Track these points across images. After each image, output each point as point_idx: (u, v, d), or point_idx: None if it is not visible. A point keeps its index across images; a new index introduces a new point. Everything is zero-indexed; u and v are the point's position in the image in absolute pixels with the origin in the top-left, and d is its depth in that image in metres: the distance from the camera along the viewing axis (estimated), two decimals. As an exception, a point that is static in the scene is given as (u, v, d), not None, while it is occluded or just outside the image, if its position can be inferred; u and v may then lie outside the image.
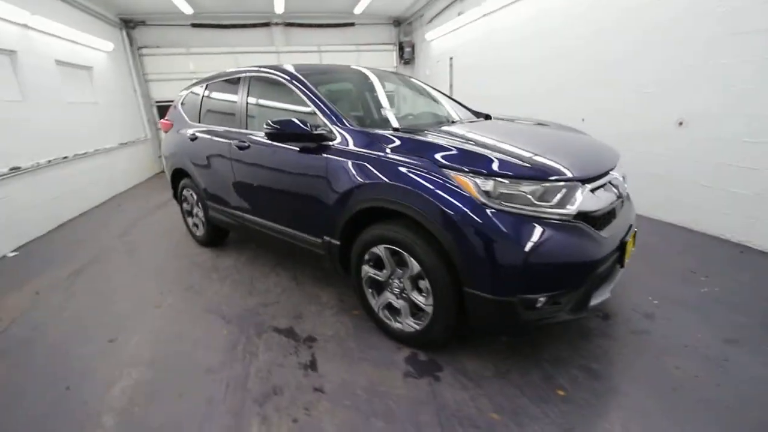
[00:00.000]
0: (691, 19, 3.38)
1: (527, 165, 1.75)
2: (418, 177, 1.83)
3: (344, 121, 2.29)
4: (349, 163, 2.12)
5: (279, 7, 7.92)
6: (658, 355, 2.00)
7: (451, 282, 1.82)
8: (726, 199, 3.32)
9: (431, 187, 1.77)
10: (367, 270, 2.21)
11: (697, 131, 3.46)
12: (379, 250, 2.08)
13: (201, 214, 3.72)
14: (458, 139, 2.05)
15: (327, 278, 3.07)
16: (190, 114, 3.75)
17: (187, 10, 7.57)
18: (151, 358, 2.20)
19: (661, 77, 3.69)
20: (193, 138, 3.48)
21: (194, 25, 8.43)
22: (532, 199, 1.69)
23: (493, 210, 1.67)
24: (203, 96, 3.57)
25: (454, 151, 1.84)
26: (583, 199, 1.74)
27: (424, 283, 1.94)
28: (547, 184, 1.71)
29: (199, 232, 3.89)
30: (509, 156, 1.81)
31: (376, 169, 1.99)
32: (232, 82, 3.20)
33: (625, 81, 4.06)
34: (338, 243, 2.31)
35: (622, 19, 4.04)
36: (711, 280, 2.70)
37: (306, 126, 2.26)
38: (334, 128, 2.28)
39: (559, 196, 1.71)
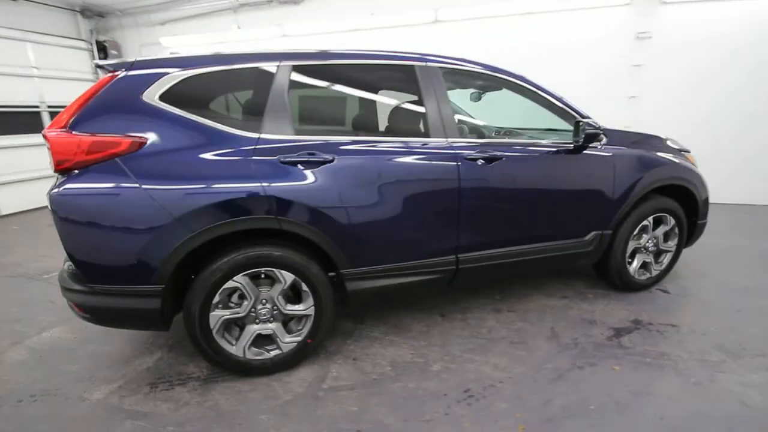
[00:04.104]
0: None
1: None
2: (683, 160, 2.69)
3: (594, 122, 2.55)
4: (634, 155, 2.54)
5: None
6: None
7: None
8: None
9: (689, 165, 2.72)
10: (633, 244, 2.70)
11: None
12: (648, 220, 2.68)
13: (304, 305, 1.98)
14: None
15: (527, 295, 2.84)
16: (241, 119, 1.90)
17: None
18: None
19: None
20: (317, 162, 1.85)
21: None
22: None
23: None
24: (288, 87, 1.91)
25: (673, 141, 2.84)
26: None
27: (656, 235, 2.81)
28: None
29: (282, 346, 1.99)
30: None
31: (657, 158, 2.59)
32: (393, 71, 2.12)
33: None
34: (610, 231, 2.58)
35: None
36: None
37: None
38: (599, 129, 2.49)
39: None
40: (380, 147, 2.03)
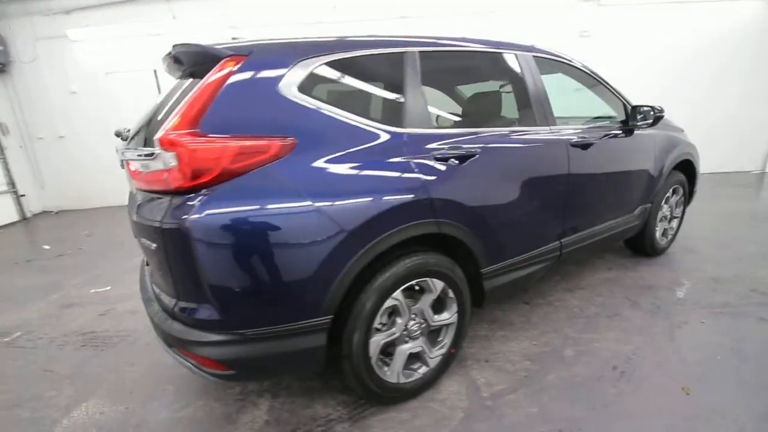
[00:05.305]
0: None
1: None
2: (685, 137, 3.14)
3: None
4: (665, 134, 2.89)
5: None
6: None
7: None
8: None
9: (691, 142, 3.18)
10: (660, 214, 3.07)
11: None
12: (669, 191, 3.07)
13: (448, 313, 1.82)
14: None
15: (580, 273, 3.00)
16: (384, 113, 1.69)
17: None
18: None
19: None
20: (465, 156, 1.71)
21: None
22: None
23: None
24: (421, 75, 1.72)
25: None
26: None
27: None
28: None
29: (429, 362, 1.81)
30: None
31: (677, 136, 2.98)
32: (499, 60, 2.08)
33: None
34: (650, 205, 2.90)
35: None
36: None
37: None
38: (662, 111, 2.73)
39: None
40: (511, 138, 1.97)
